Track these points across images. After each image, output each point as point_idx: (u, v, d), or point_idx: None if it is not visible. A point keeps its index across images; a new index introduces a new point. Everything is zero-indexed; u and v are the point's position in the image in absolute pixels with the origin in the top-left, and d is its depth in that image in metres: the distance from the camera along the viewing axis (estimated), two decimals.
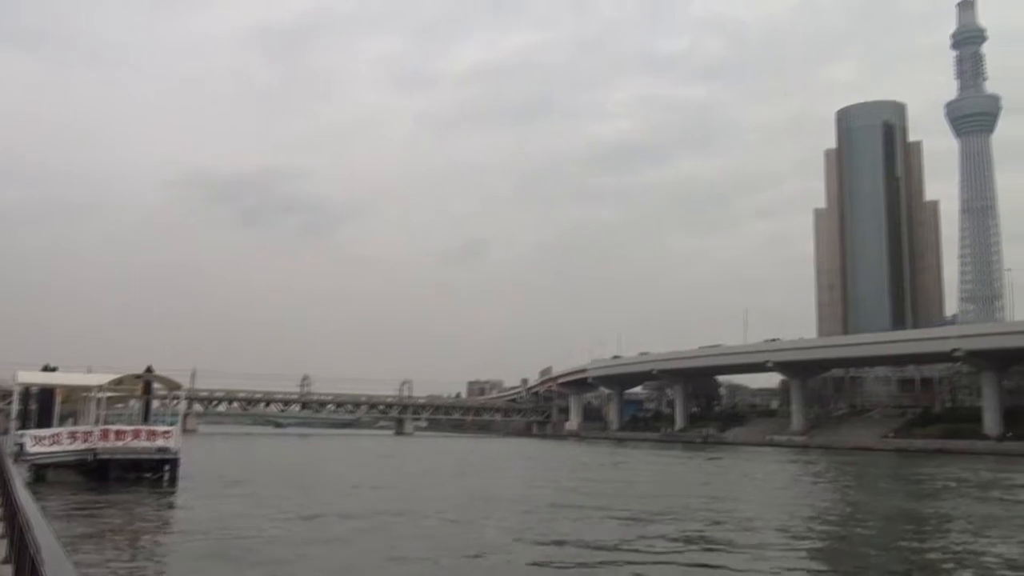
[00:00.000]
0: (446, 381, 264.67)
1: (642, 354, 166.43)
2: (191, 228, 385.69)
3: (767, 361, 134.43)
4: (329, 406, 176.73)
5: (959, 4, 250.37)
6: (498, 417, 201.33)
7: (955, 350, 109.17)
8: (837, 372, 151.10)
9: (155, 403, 42.15)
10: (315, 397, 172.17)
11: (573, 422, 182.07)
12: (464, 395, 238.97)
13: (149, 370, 40.71)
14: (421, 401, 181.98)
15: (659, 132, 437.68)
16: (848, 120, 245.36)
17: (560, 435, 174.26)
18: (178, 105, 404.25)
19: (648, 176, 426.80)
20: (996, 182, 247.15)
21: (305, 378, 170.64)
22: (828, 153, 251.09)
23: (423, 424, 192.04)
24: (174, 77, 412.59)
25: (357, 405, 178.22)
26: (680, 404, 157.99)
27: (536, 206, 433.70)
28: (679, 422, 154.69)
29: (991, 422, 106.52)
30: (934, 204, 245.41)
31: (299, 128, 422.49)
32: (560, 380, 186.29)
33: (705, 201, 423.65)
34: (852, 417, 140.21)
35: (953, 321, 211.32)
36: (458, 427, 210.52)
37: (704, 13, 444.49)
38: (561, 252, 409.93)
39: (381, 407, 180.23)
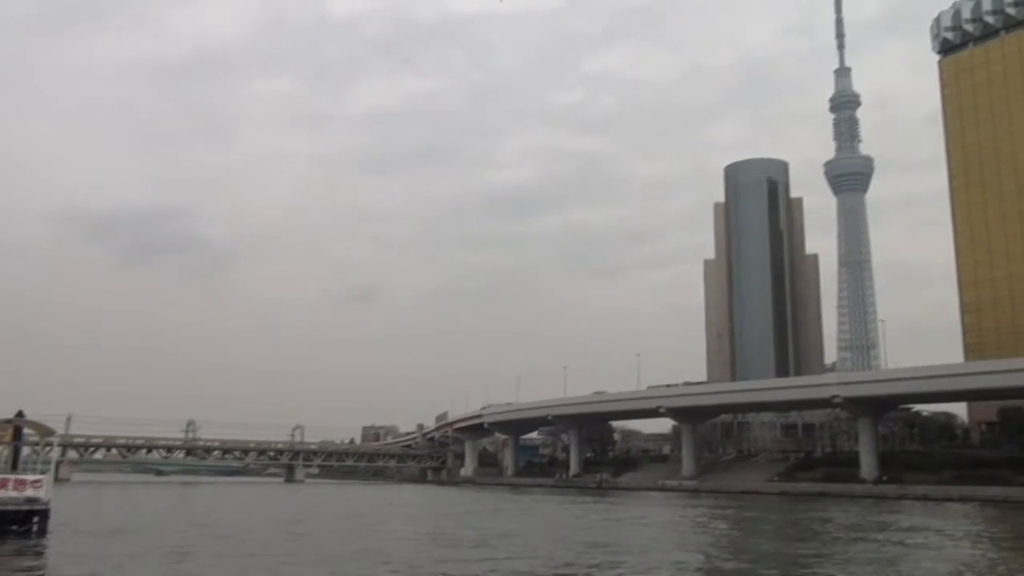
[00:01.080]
0: (340, 427, 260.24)
1: (538, 400, 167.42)
2: (68, 266, 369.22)
3: (660, 407, 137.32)
4: (216, 452, 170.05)
5: (836, 71, 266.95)
6: (393, 463, 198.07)
7: (834, 397, 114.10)
8: (726, 418, 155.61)
9: (25, 450, 39.66)
10: (201, 443, 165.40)
11: (469, 468, 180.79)
12: (358, 441, 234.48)
13: (19, 415, 38.34)
14: (313, 447, 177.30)
15: (553, 181, 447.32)
16: (735, 176, 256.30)
17: (455, 481, 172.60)
18: (59, 138, 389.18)
19: (542, 224, 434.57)
20: (870, 237, 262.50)
21: (191, 423, 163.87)
22: (717, 206, 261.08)
23: (315, 471, 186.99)
24: (57, 109, 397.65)
25: (246, 452, 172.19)
26: (575, 449, 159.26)
27: (432, 251, 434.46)
28: (574, 467, 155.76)
29: (867, 466, 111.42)
30: (814, 257, 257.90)
31: (187, 165, 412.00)
32: (456, 425, 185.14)
33: (599, 250, 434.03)
34: (740, 462, 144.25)
35: (832, 369, 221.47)
36: (351, 474, 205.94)
37: (596, 69, 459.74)
38: (458, 297, 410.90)
39: (271, 454, 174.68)
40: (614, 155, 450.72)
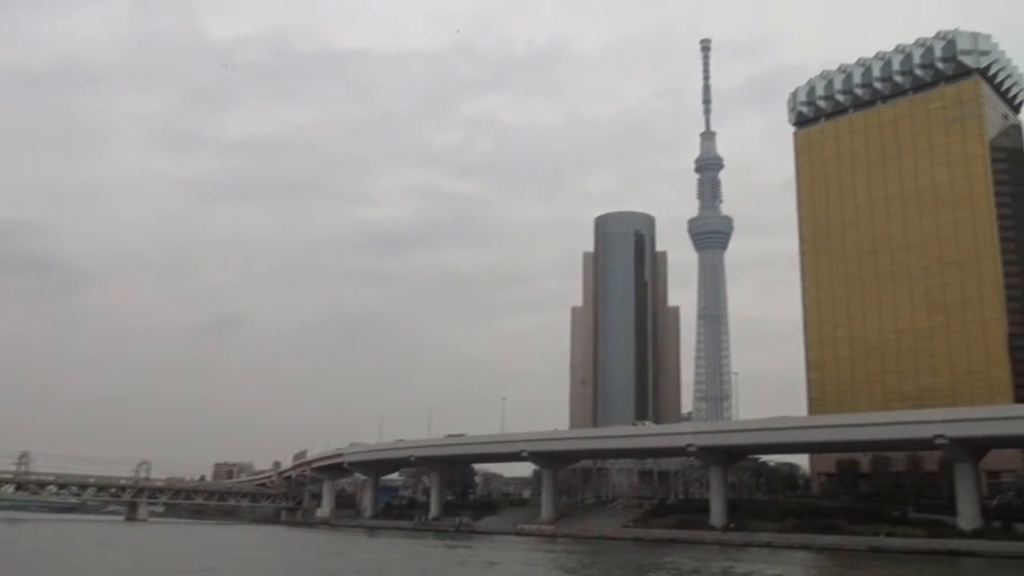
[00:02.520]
0: (191, 463, 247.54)
1: (399, 440, 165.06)
2: None
3: (522, 451, 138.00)
4: (50, 487, 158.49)
5: (702, 134, 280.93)
6: (245, 503, 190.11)
7: (689, 445, 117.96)
8: (586, 463, 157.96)
9: None
10: (33, 477, 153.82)
11: (325, 509, 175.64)
12: (210, 478, 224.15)
13: None
14: (159, 484, 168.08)
15: (428, 221, 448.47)
16: (605, 227, 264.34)
17: (311, 523, 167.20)
18: None
19: (416, 263, 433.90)
20: (728, 293, 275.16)
21: (23, 456, 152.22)
22: (586, 255, 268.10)
23: (160, 509, 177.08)
24: None
25: (84, 487, 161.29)
26: (436, 492, 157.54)
27: (300, 285, 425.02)
28: (434, 510, 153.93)
29: (717, 513, 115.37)
30: (675, 310, 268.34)
31: (41, 179, 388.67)
32: (315, 464, 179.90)
33: (470, 292, 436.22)
34: (597, 507, 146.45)
35: (689, 418, 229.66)
36: (200, 513, 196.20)
37: (476, 113, 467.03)
38: (324, 332, 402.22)
39: (112, 489, 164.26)
40: (489, 199, 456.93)
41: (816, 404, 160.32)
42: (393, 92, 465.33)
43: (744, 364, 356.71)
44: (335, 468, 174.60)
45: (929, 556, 79.99)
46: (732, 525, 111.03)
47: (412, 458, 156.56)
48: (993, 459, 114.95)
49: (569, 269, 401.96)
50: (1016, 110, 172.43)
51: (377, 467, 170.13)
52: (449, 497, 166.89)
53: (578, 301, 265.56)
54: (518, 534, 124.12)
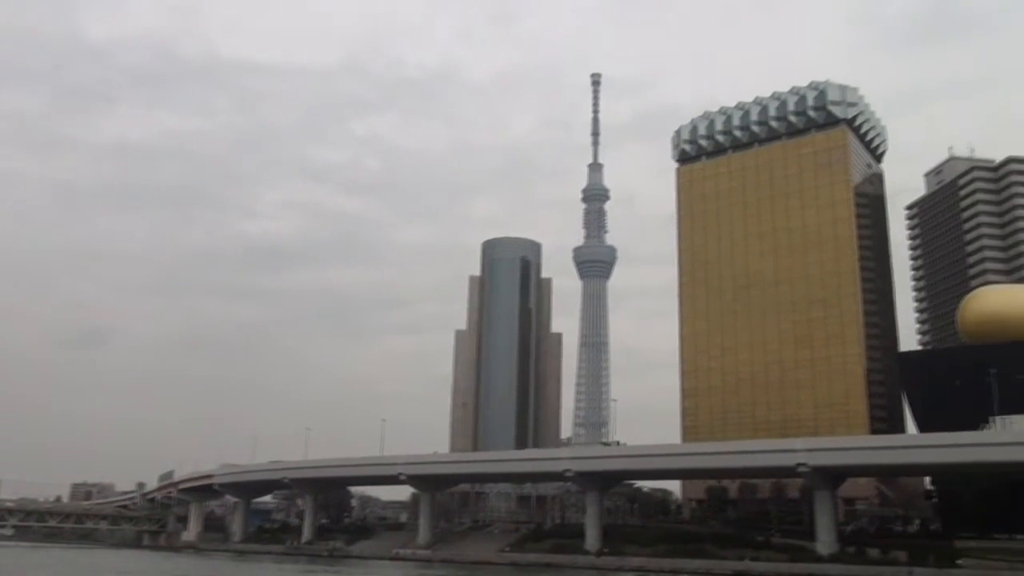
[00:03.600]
0: (46, 483, 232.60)
1: (275, 461, 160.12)
2: None
3: (400, 474, 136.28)
4: None
5: (590, 165, 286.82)
6: (104, 525, 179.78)
7: (567, 470, 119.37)
8: (465, 487, 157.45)
9: None
10: None
11: (191, 532, 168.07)
12: (66, 499, 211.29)
13: None
14: (9, 504, 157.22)
15: (311, 238, 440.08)
16: (492, 251, 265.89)
17: (175, 546, 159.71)
18: None
19: (297, 280, 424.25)
20: (609, 321, 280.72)
21: None
22: (472, 279, 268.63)
23: (9, 532, 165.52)
24: None
25: None
26: (309, 515, 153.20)
27: (174, 298, 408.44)
28: (307, 534, 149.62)
29: (592, 538, 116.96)
30: (558, 336, 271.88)
31: None
32: (182, 486, 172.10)
33: (352, 311, 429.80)
34: (475, 531, 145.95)
35: (568, 444, 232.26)
36: (54, 536, 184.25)
37: (365, 133, 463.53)
38: (198, 348, 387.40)
39: None
40: (375, 218, 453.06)
41: (689, 432, 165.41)
42: (280, 105, 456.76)
43: (623, 392, 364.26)
44: (204, 490, 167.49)
45: None
46: (606, 550, 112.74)
47: (286, 480, 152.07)
48: (849, 487, 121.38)
49: (454, 292, 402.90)
50: (878, 160, 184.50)
51: (249, 489, 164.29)
52: (323, 521, 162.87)
53: (462, 324, 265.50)
54: (393, 559, 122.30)
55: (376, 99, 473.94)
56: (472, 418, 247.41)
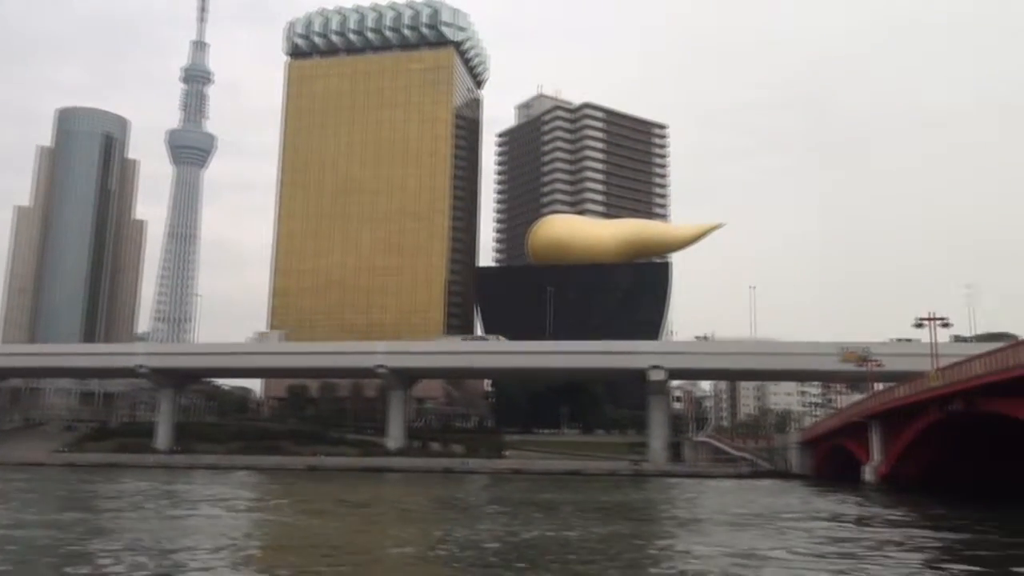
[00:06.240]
0: None
1: None
2: None
3: None
4: None
5: (194, 43, 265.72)
6: None
7: (140, 366, 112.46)
8: (16, 382, 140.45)
9: None
10: None
11: None
12: None
13: None
14: None
15: None
16: (69, 122, 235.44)
17: None
18: None
19: None
20: (202, 213, 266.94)
21: None
22: (41, 150, 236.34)
23: None
24: None
25: None
26: None
27: None
28: None
29: (163, 436, 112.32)
30: (141, 224, 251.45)
31: None
32: None
33: None
34: (27, 430, 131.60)
35: (144, 338, 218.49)
36: None
37: None
38: None
39: None
40: None
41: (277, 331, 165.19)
42: None
43: (212, 287, 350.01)
44: None
45: (361, 472, 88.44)
46: (178, 448, 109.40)
47: None
48: (422, 388, 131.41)
49: (17, 163, 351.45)
50: (479, 86, 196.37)
51: None
52: None
53: (25, 200, 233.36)
54: None
55: None
56: (31, 305, 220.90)
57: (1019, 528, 33.69)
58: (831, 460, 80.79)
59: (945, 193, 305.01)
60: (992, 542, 29.40)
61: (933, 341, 59.95)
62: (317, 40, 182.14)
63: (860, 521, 37.58)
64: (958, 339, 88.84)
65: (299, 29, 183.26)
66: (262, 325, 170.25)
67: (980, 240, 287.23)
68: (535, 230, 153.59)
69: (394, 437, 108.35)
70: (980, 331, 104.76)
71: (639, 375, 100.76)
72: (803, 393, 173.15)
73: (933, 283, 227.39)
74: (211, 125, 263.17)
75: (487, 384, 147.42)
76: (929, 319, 60.06)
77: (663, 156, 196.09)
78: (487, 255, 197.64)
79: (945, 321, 60.84)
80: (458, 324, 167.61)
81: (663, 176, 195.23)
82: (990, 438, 50.30)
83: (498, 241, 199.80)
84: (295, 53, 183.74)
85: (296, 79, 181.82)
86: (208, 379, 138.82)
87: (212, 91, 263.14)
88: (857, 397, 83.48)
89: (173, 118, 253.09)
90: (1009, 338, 77.11)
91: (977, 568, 23.03)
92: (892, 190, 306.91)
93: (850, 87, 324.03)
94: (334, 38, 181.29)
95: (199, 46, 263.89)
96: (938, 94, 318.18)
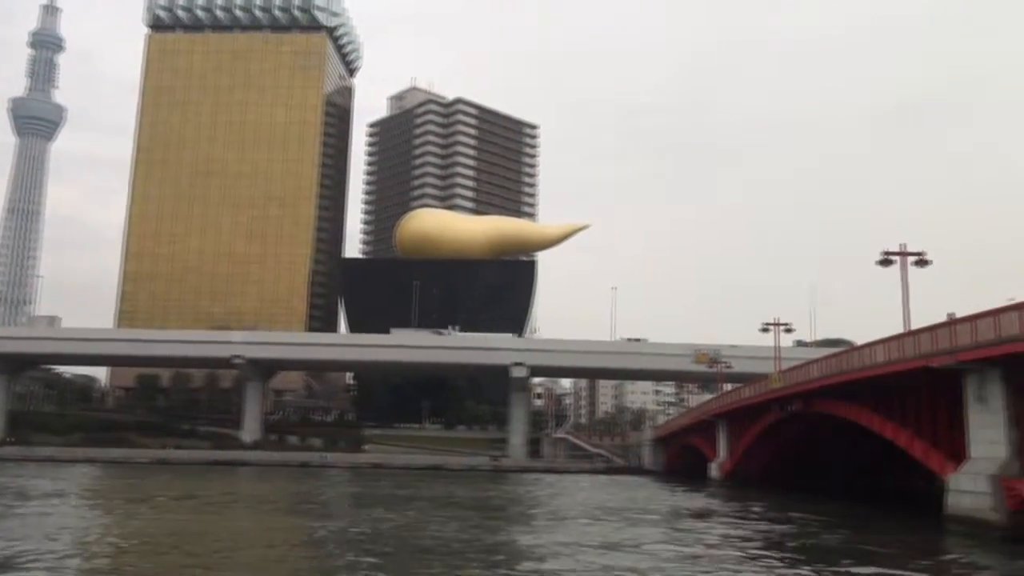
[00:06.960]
0: None
1: None
2: None
3: None
4: None
5: (44, 6, 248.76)
6: None
7: None
8: None
9: None
10: None
11: None
12: None
13: None
14: None
15: None
16: None
17: None
18: None
19: None
20: (47, 189, 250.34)
21: None
22: None
23: None
24: None
25: None
26: None
27: None
28: None
29: None
30: None
31: None
32: None
33: None
34: None
35: None
36: None
37: None
38: None
39: None
40: None
41: (126, 317, 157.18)
42: None
43: (55, 269, 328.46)
44: None
45: (212, 466, 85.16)
46: (11, 439, 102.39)
47: None
48: (281, 379, 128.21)
49: None
50: (351, 74, 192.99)
51: None
52: None
53: None
54: None
55: None
56: None
57: (842, 519, 36.15)
58: (682, 457, 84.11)
59: (813, 205, 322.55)
60: (811, 533, 31.47)
61: (776, 345, 63.46)
62: (181, 14, 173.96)
63: (699, 515, 39.49)
64: (800, 344, 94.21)
65: (162, 1, 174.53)
66: (111, 311, 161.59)
67: (841, 246, 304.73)
68: (404, 223, 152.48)
69: (249, 430, 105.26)
70: (820, 336, 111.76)
71: (502, 371, 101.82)
72: (658, 392, 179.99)
73: (792, 290, 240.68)
74: (61, 96, 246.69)
75: (349, 377, 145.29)
76: (775, 324, 63.52)
77: (533, 155, 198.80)
78: (354, 246, 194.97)
79: (788, 326, 64.51)
80: (319, 314, 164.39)
81: (532, 175, 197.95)
82: (824, 438, 53.73)
83: (366, 233, 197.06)
84: (156, 25, 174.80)
85: (157, 53, 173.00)
86: (47, 366, 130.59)
87: (63, 59, 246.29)
88: (708, 397, 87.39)
89: (18, 86, 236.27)
90: (845, 343, 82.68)
91: (794, 556, 24.59)
92: (764, 200, 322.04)
93: (726, 93, 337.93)
94: (199, 13, 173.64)
95: (49, 10, 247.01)
96: (811, 103, 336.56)
